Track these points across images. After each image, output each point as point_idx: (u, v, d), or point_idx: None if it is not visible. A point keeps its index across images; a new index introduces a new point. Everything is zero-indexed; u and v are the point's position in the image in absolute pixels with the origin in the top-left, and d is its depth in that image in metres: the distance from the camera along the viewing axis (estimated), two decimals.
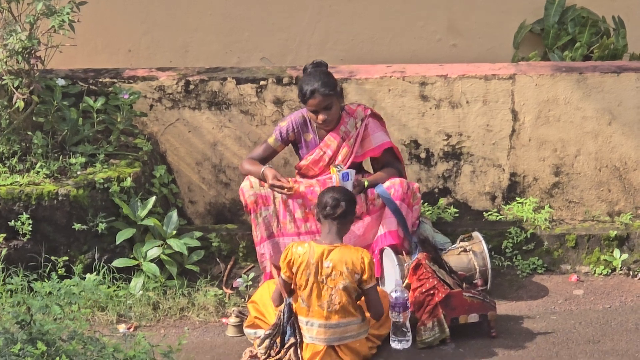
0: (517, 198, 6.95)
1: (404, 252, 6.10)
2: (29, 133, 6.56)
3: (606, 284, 6.49)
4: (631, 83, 6.81)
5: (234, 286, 6.44)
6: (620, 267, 6.56)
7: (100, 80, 6.92)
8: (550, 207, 6.88)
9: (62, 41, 6.46)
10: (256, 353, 5.61)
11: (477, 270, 6.14)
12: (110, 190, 6.38)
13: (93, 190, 6.36)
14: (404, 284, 5.84)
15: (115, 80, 6.92)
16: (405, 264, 6.01)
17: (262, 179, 6.16)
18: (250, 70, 7.06)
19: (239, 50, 7.79)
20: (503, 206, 6.97)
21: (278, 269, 5.78)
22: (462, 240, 6.30)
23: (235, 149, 6.98)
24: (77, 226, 6.27)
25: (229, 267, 6.57)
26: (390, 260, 6.09)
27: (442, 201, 6.97)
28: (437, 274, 5.83)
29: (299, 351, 5.53)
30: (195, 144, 7.00)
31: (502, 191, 6.99)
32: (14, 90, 6.34)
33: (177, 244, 6.38)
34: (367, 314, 5.63)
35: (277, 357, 5.55)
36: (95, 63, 7.38)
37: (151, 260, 6.32)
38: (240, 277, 6.46)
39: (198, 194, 7.08)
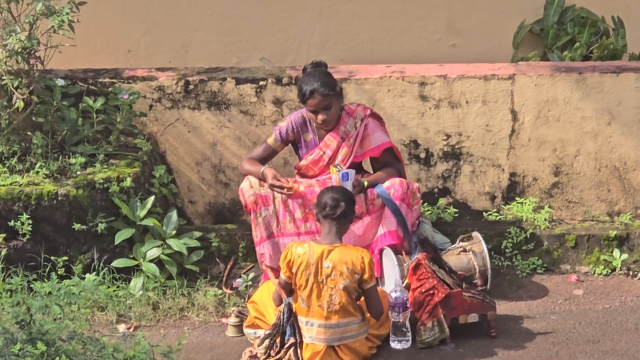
0: (516, 198, 6.95)
1: (403, 252, 6.10)
2: (29, 133, 6.55)
3: (606, 284, 6.48)
4: (630, 83, 6.81)
5: (233, 286, 6.44)
6: (620, 267, 6.56)
7: (100, 80, 6.91)
8: (550, 207, 6.88)
9: (61, 41, 6.45)
10: (256, 353, 5.61)
11: (477, 270, 6.14)
12: (109, 190, 6.37)
13: (93, 190, 6.36)
14: (404, 284, 5.84)
15: (114, 80, 6.92)
16: (405, 264, 6.00)
17: (262, 179, 6.16)
18: (250, 71, 7.05)
19: (238, 50, 7.78)
20: (503, 206, 6.97)
21: (274, 270, 5.81)
22: (462, 240, 6.30)
23: (235, 149, 6.98)
24: (76, 226, 6.27)
25: (228, 267, 6.57)
26: (390, 260, 6.09)
27: (442, 201, 6.96)
28: (436, 274, 5.83)
29: (298, 351, 5.52)
30: (194, 144, 6.99)
31: (501, 191, 6.99)
32: (14, 90, 6.33)
33: (176, 244, 6.38)
34: (367, 314, 5.63)
35: (277, 357, 5.54)
36: (95, 63, 7.38)
37: (151, 261, 6.32)
38: (240, 277, 6.46)
39: (198, 194, 7.08)
